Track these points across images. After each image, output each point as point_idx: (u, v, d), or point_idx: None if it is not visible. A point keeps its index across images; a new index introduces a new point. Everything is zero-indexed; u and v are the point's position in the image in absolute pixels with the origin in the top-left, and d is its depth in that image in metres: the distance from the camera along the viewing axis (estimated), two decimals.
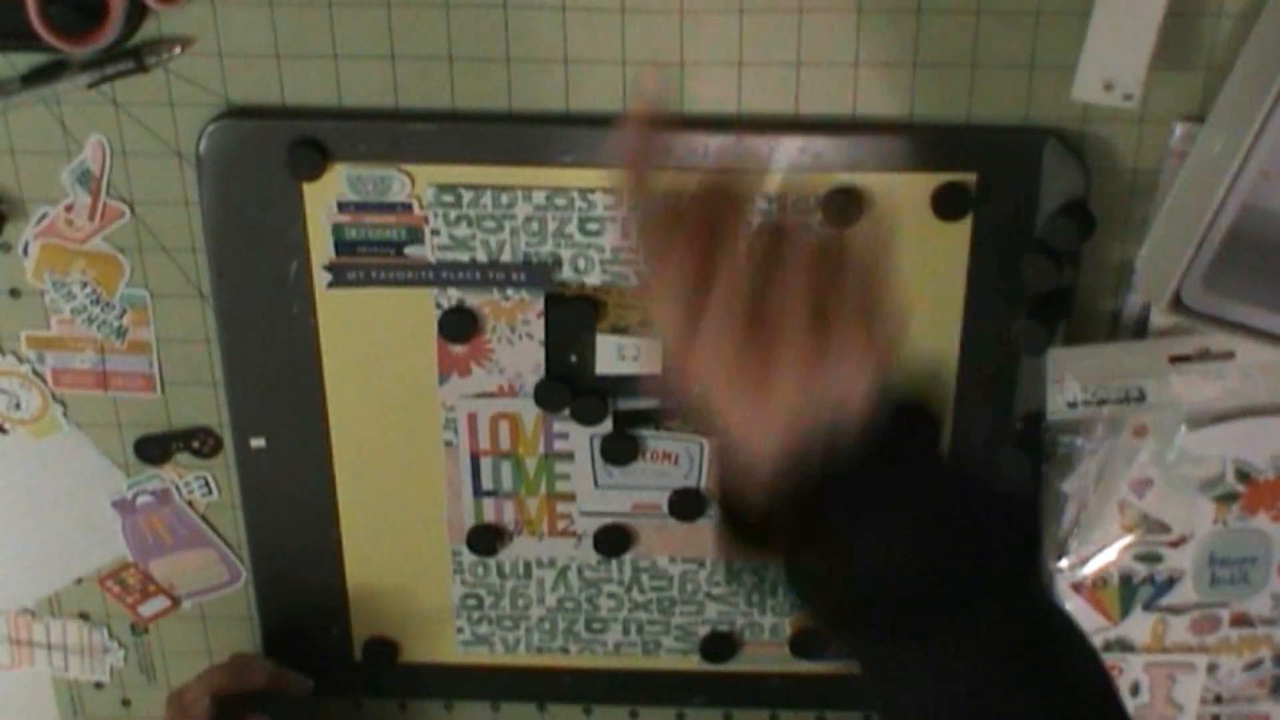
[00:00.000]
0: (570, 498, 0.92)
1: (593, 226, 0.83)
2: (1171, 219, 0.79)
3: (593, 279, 0.85)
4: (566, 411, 0.88)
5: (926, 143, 0.80)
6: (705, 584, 0.94)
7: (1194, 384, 0.84)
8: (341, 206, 0.83)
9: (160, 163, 0.83)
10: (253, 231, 0.84)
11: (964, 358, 0.85)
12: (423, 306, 0.86)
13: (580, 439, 0.90)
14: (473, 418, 0.89)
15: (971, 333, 0.85)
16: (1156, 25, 0.74)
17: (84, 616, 0.97)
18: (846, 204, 0.81)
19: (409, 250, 0.84)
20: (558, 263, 0.84)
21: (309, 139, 0.81)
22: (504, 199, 0.83)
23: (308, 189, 0.83)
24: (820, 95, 0.80)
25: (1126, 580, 0.91)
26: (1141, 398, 0.84)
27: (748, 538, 0.66)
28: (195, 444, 0.91)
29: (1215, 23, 0.77)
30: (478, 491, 0.91)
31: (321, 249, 0.84)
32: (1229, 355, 0.83)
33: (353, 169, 0.82)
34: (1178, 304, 0.76)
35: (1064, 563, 0.90)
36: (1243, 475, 0.87)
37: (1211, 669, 0.94)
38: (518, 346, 0.87)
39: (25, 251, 0.85)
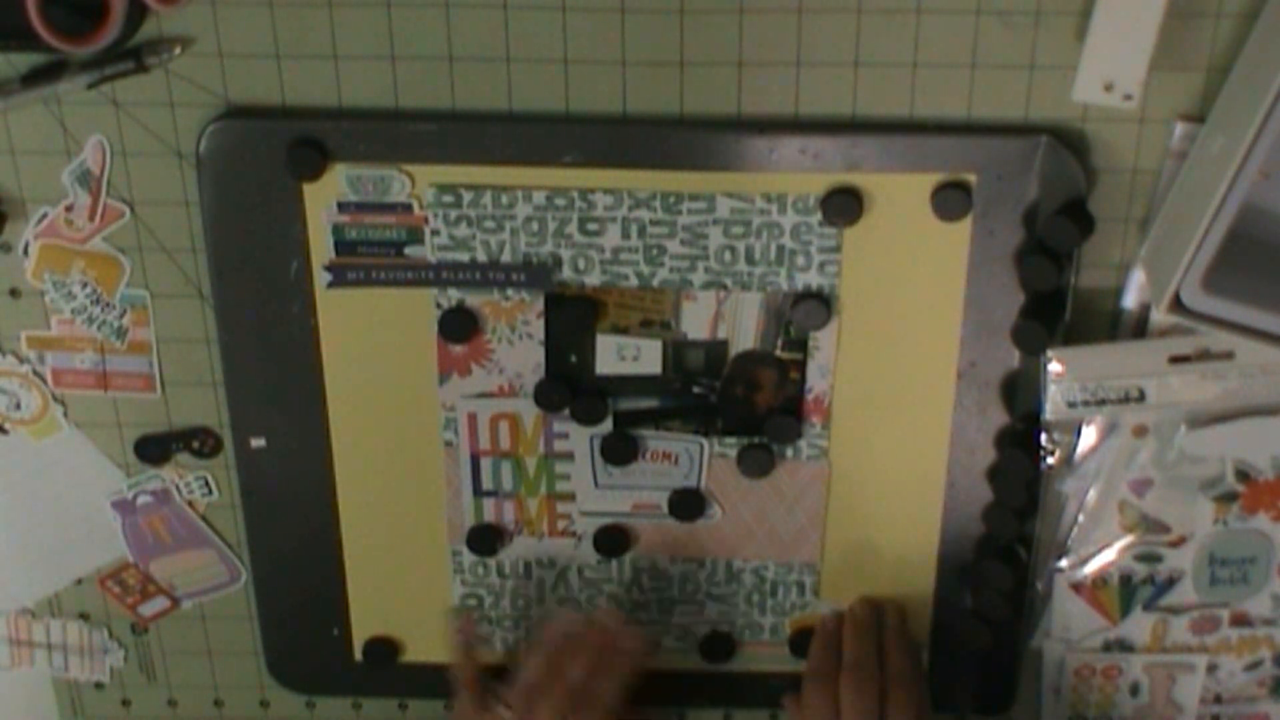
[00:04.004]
0: (570, 498, 0.92)
1: (593, 226, 0.83)
2: (1171, 219, 0.79)
3: (593, 279, 0.85)
4: (566, 411, 0.88)
5: (926, 143, 0.80)
6: (705, 584, 0.94)
7: (1194, 384, 0.84)
8: (341, 206, 0.83)
9: (160, 163, 0.83)
10: (253, 231, 0.84)
11: (964, 357, 0.86)
12: (423, 306, 0.86)
13: (580, 439, 0.90)
14: (473, 418, 0.89)
15: (971, 333, 0.85)
16: (1156, 25, 0.74)
17: (84, 616, 0.97)
18: (846, 204, 0.81)
19: (409, 250, 0.84)
20: (558, 263, 0.84)
21: (309, 139, 0.81)
22: (504, 199, 0.83)
23: (308, 189, 0.83)
24: (820, 95, 0.80)
25: (1126, 580, 0.90)
26: (1141, 398, 0.84)
27: None
28: (195, 444, 0.91)
29: (1215, 23, 0.77)
30: (478, 491, 0.91)
31: (321, 249, 0.84)
32: (1229, 355, 0.83)
33: (353, 169, 0.82)
34: (1178, 304, 0.76)
35: (1064, 563, 0.90)
36: (1243, 475, 0.87)
37: (1211, 669, 0.94)
38: (518, 346, 0.87)
39: (25, 251, 0.85)
